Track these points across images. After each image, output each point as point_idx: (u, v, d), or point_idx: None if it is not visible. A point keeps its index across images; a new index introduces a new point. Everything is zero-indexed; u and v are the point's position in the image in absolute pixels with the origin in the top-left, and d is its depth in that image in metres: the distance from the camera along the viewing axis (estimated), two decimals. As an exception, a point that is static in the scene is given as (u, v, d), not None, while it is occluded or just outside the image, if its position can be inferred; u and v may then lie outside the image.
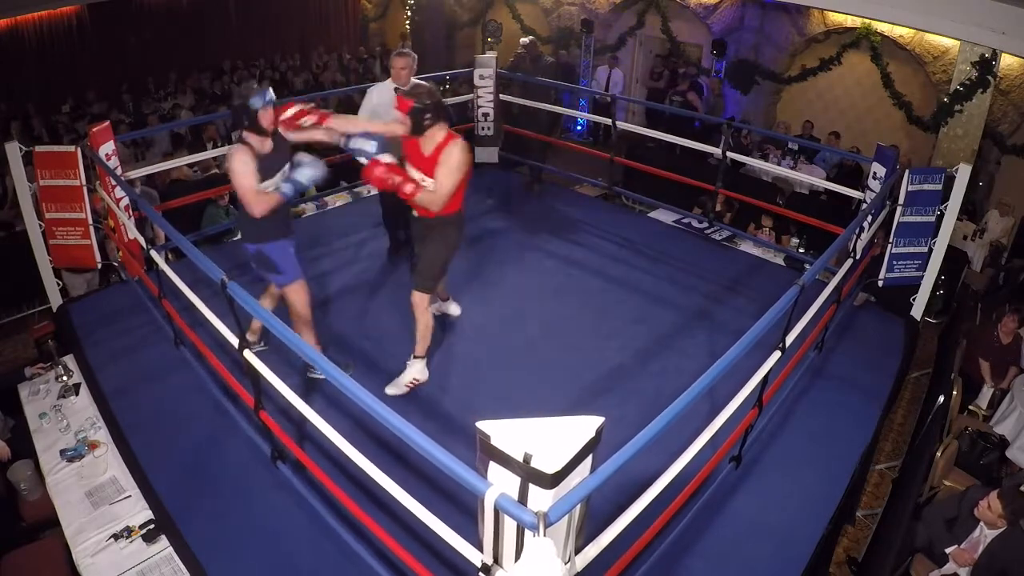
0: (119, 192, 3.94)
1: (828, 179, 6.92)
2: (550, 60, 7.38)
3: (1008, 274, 6.61)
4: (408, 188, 3.10)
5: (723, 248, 5.19)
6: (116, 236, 4.30)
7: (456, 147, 3.07)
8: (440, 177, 3.08)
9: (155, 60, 10.47)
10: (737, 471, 3.00)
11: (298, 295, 3.23)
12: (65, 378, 3.55)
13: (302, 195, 3.29)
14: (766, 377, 2.69)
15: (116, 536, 2.68)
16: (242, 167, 2.97)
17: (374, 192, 5.90)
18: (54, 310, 4.12)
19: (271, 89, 3.07)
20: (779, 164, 7.37)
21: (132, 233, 3.92)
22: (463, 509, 2.56)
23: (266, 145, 3.06)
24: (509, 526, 1.58)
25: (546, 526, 1.47)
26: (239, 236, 5.15)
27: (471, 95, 6.06)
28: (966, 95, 7.05)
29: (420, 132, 3.08)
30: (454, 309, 4.02)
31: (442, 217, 3.20)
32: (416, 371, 3.39)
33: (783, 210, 5.63)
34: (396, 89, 4.17)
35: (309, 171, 3.13)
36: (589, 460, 1.64)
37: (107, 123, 4.20)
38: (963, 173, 3.88)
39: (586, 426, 1.58)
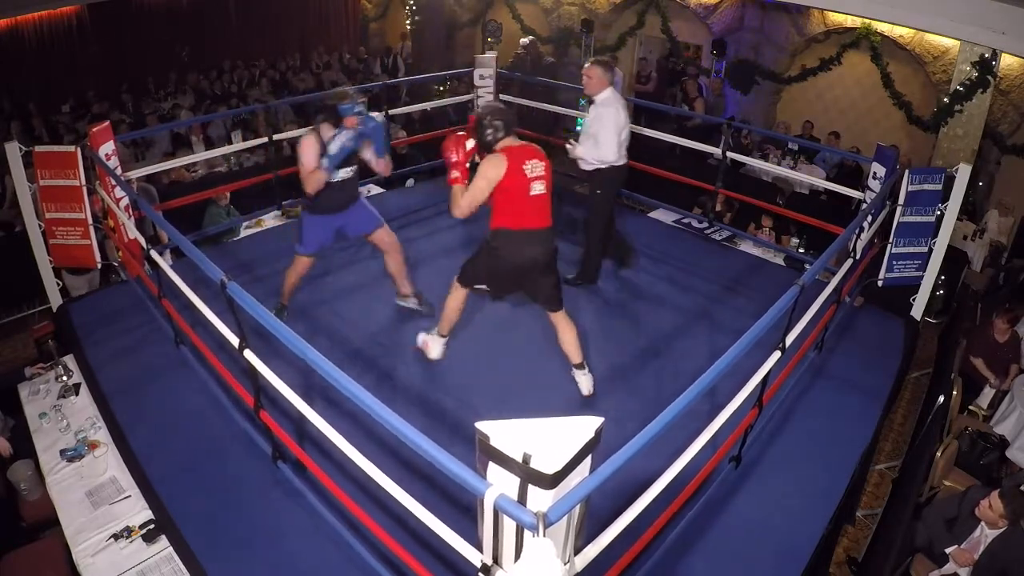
0: (119, 192, 3.94)
1: (828, 179, 6.93)
2: (550, 60, 7.39)
3: (1008, 274, 6.61)
4: (452, 173, 3.20)
5: (723, 248, 5.19)
6: (116, 236, 4.30)
7: (488, 159, 3.10)
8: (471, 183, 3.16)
9: (155, 60, 10.48)
10: (737, 471, 3.00)
11: (297, 263, 3.75)
12: (65, 378, 3.55)
13: (347, 165, 3.63)
14: (766, 377, 2.69)
15: (116, 536, 2.68)
16: (308, 149, 3.45)
17: (374, 192, 5.92)
18: (54, 310, 4.12)
19: (362, 103, 3.49)
20: (779, 164, 7.37)
21: (132, 233, 3.92)
22: (463, 509, 2.56)
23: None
24: (509, 526, 1.57)
25: (546, 526, 1.47)
26: (239, 236, 5.19)
27: (471, 95, 6.05)
28: (966, 95, 7.05)
29: (487, 148, 3.14)
30: (583, 383, 3.48)
31: (489, 230, 3.25)
32: (431, 339, 3.58)
33: (783, 210, 5.63)
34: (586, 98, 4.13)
35: (336, 142, 3.44)
36: (588, 460, 1.64)
37: (107, 123, 4.21)
38: (963, 173, 3.88)
39: (585, 426, 1.58)
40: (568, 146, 4.19)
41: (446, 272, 4.51)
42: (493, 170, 3.07)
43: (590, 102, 4.12)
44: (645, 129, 6.33)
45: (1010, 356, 4.85)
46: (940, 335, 5.67)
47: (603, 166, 4.12)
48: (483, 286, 3.36)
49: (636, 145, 7.41)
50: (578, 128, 10.39)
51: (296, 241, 3.71)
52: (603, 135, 3.99)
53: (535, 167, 3.14)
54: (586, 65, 4.12)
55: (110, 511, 2.81)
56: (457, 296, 3.43)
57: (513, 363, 3.67)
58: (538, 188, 3.16)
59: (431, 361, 3.64)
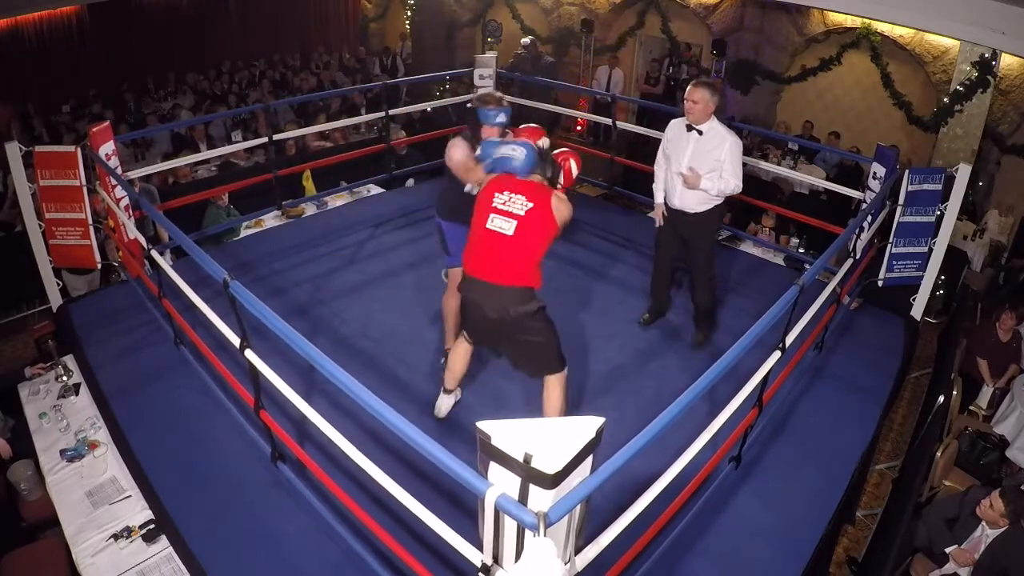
0: (119, 192, 3.94)
1: (828, 179, 6.93)
2: (550, 60, 7.39)
3: (1008, 274, 6.62)
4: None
5: (723, 248, 5.18)
6: (116, 236, 4.30)
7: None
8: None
9: (155, 60, 10.48)
10: (737, 471, 3.00)
11: (452, 276, 3.40)
12: (65, 378, 3.55)
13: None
14: (766, 377, 2.69)
15: (116, 536, 2.68)
16: (458, 146, 3.15)
17: (374, 192, 5.92)
18: (54, 310, 4.12)
19: (505, 112, 3.12)
20: (779, 164, 7.37)
21: (132, 233, 3.92)
22: (463, 509, 2.56)
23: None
24: (509, 526, 1.58)
25: (546, 526, 1.47)
26: (239, 236, 5.19)
27: (471, 95, 6.05)
28: (966, 95, 7.06)
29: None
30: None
31: None
32: (441, 394, 3.26)
33: (783, 210, 5.63)
34: (688, 127, 3.55)
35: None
36: (589, 460, 1.64)
37: (107, 123, 4.20)
38: (963, 173, 3.88)
39: (586, 426, 1.58)
40: (689, 174, 3.52)
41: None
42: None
43: (689, 129, 3.54)
44: (642, 128, 6.35)
45: (1011, 356, 4.86)
46: (940, 335, 5.67)
47: (720, 201, 3.65)
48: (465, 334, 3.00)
49: (638, 146, 7.49)
50: (578, 128, 10.46)
51: (445, 254, 3.46)
52: (736, 168, 3.50)
53: (512, 201, 2.68)
54: (688, 87, 3.52)
55: (110, 511, 2.81)
56: (456, 346, 3.09)
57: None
58: (499, 224, 2.67)
59: (432, 361, 3.64)
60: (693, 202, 3.63)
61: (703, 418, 2.55)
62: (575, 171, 3.11)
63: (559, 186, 2.93)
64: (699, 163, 3.53)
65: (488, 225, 2.70)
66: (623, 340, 3.92)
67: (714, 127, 3.52)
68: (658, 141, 5.92)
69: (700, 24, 9.38)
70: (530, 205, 2.68)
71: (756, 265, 4.97)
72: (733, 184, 3.53)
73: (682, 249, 3.87)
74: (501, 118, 3.12)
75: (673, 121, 3.71)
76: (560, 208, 2.72)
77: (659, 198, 3.82)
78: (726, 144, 3.49)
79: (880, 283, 4.32)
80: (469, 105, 3.20)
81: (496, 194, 2.73)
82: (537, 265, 2.75)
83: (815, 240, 5.82)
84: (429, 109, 8.08)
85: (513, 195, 2.71)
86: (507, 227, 2.67)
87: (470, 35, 12.09)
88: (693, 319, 3.99)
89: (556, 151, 3.04)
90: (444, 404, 3.23)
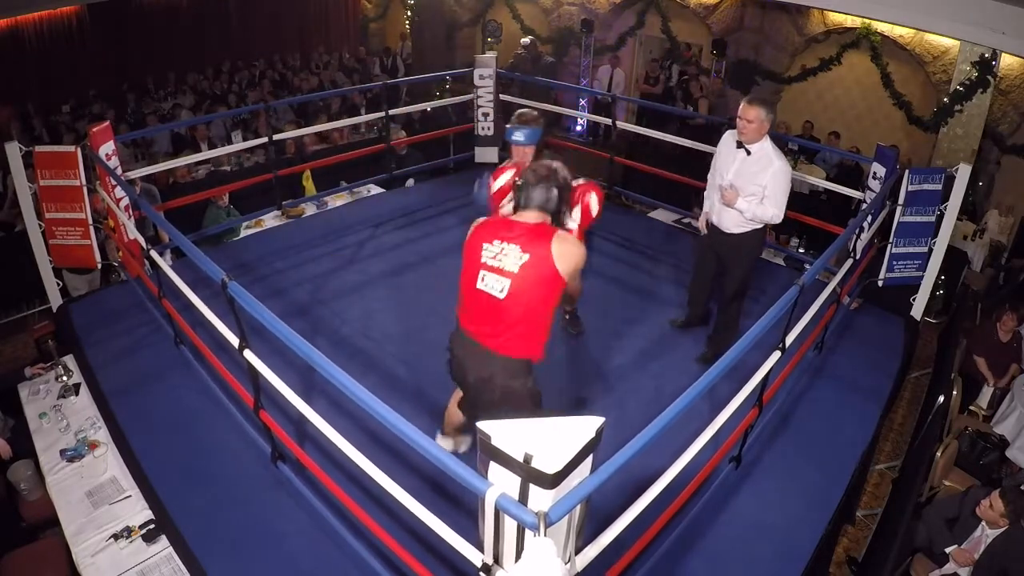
0: (119, 192, 3.94)
1: (828, 179, 6.93)
2: (550, 60, 7.40)
3: (1008, 274, 6.62)
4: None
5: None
6: (116, 236, 4.30)
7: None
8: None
9: (155, 60, 10.48)
10: (737, 471, 3.00)
11: None
12: (65, 378, 3.55)
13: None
14: (766, 377, 2.69)
15: (116, 536, 2.68)
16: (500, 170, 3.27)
17: (374, 192, 5.92)
18: (54, 310, 4.12)
19: (522, 131, 3.12)
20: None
21: (132, 233, 3.92)
22: (463, 509, 2.56)
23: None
24: (509, 526, 1.58)
25: (546, 526, 1.47)
26: (239, 236, 5.19)
27: (471, 95, 6.06)
28: (966, 95, 7.06)
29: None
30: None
31: None
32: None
33: (783, 210, 5.62)
34: (739, 144, 3.36)
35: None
36: (589, 460, 1.64)
37: (107, 123, 4.20)
38: (963, 173, 3.88)
39: (586, 426, 1.58)
40: (727, 190, 3.37)
41: (446, 273, 4.53)
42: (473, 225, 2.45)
43: (739, 146, 3.36)
44: (642, 128, 6.36)
45: (1011, 356, 4.86)
46: (940, 335, 5.67)
47: (759, 226, 3.48)
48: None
49: (638, 146, 7.49)
50: (578, 127, 10.47)
51: None
52: (778, 197, 3.33)
53: (504, 254, 2.23)
54: (742, 105, 3.26)
55: (110, 511, 2.81)
56: (453, 396, 2.82)
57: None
58: (489, 283, 2.25)
59: (432, 361, 3.63)
60: (728, 222, 3.49)
61: (703, 418, 2.55)
62: (595, 207, 2.99)
63: (572, 225, 2.74)
64: (741, 184, 3.36)
65: (478, 284, 2.28)
66: (623, 340, 3.92)
67: (764, 148, 3.30)
68: (658, 141, 5.98)
69: (700, 24, 9.38)
70: (524, 258, 2.21)
71: (756, 265, 4.96)
72: (771, 213, 3.34)
73: (717, 265, 3.73)
74: (516, 136, 3.09)
75: (728, 132, 3.51)
76: (564, 254, 2.23)
77: (707, 206, 3.68)
78: (771, 169, 3.29)
79: (880, 283, 4.32)
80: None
81: (485, 245, 2.29)
82: (540, 331, 2.31)
83: (815, 240, 5.82)
84: (429, 109, 8.08)
85: (505, 245, 2.25)
86: (498, 288, 2.23)
87: (470, 35, 12.09)
88: (707, 335, 3.86)
89: (576, 183, 2.87)
90: (443, 444, 2.97)
